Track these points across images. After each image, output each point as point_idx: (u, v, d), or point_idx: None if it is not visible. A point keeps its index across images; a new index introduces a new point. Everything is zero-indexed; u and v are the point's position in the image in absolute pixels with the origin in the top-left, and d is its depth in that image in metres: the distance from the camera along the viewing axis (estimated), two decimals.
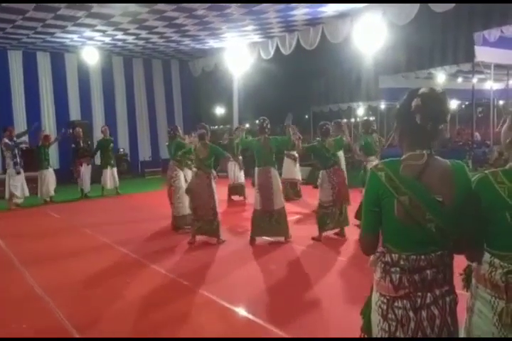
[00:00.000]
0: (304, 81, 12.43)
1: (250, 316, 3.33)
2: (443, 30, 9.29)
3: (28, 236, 6.26)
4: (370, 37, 7.82)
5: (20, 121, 11.43)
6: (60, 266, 4.77)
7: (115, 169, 9.88)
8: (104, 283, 4.22)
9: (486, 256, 1.48)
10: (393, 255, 1.54)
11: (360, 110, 16.33)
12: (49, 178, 8.95)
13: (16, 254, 5.27)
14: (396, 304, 1.53)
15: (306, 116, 19.43)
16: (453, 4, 6.66)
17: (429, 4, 6.88)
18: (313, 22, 8.91)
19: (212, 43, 11.15)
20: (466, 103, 16.62)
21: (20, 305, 3.76)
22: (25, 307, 3.72)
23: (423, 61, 10.77)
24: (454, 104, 18.25)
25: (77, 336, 3.12)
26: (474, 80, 10.45)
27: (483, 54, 9.45)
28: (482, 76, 11.35)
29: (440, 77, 12.43)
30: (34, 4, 7.33)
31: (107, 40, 10.43)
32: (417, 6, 7.06)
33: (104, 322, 3.36)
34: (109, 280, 4.32)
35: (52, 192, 9.06)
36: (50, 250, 5.46)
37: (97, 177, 10.00)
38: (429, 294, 1.51)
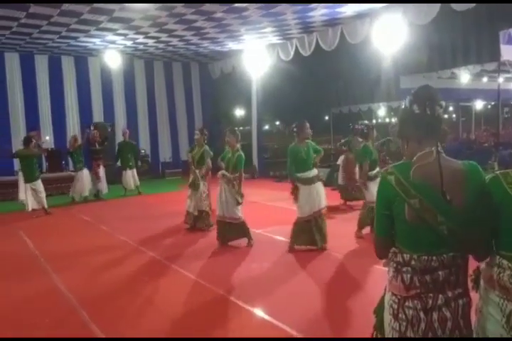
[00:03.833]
0: (324, 82, 12.33)
1: (281, 325, 3.19)
2: (465, 29, 9.05)
3: (53, 235, 6.46)
4: (389, 37, 7.72)
5: (46, 123, 11.85)
6: (83, 265, 4.88)
7: (134, 170, 10.14)
8: (128, 284, 4.24)
9: (495, 258, 1.47)
10: (405, 255, 1.54)
11: (381, 111, 16.10)
12: (84, 179, 9.25)
13: (42, 252, 5.44)
14: (407, 304, 1.53)
15: (326, 117, 19.32)
16: (474, 4, 6.49)
17: (450, 3, 6.74)
18: (331, 23, 8.86)
19: (231, 45, 11.24)
20: (492, 103, 16.16)
21: (43, 300, 3.87)
22: (48, 303, 3.82)
23: (445, 61, 10.50)
24: (479, 104, 17.80)
25: (102, 336, 3.16)
26: (500, 80, 10.13)
27: (508, 53, 9.16)
28: (508, 75, 11.01)
29: (464, 77, 12.11)
30: (59, 9, 7.57)
31: (129, 43, 10.66)
32: (437, 5, 6.93)
33: (127, 322, 3.38)
34: (133, 280, 4.32)
35: (86, 193, 9.37)
36: (75, 249, 5.59)
37: (118, 179, 10.26)
38: (440, 295, 1.50)
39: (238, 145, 5.35)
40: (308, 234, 4.95)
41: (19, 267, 4.93)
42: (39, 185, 7.86)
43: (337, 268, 4.52)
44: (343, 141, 8.54)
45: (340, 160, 8.25)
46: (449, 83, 12.25)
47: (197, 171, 6.26)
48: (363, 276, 4.15)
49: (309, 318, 3.31)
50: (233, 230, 5.32)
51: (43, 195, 7.98)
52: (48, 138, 11.59)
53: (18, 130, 11.25)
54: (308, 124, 4.97)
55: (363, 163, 5.53)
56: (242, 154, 5.33)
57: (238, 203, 5.22)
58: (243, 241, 5.40)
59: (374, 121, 16.90)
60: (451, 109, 20.33)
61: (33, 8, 7.47)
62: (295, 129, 4.95)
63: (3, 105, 11.19)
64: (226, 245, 5.35)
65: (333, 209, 7.50)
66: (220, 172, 5.39)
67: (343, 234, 5.67)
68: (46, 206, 8.00)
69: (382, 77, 11.11)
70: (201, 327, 3.24)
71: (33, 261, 5.14)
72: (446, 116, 19.37)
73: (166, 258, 4.96)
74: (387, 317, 1.60)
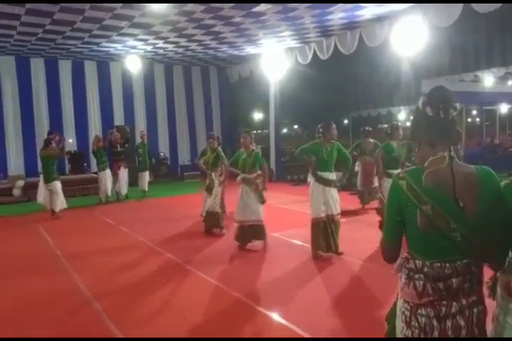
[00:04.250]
0: (342, 85, 12.25)
1: (297, 329, 3.16)
2: (489, 31, 8.83)
3: (74, 235, 6.61)
4: (409, 39, 7.61)
5: (68, 126, 12.17)
6: (102, 265, 4.97)
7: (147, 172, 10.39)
8: (146, 284, 4.27)
9: (511, 265, 1.42)
10: (417, 262, 1.51)
11: (401, 115, 15.84)
12: (107, 179, 9.46)
13: (62, 252, 5.57)
14: (420, 311, 1.50)
15: (346, 121, 19.15)
16: (498, 4, 6.33)
17: (473, 5, 6.59)
18: (350, 26, 8.80)
19: (248, 49, 11.29)
20: None
21: (64, 299, 3.95)
22: (69, 301, 3.90)
23: (468, 63, 10.27)
24: (504, 108, 17.31)
25: (118, 333, 3.20)
26: None
27: None
28: None
29: (488, 80, 11.82)
30: (82, 16, 7.78)
31: (149, 48, 10.85)
32: (459, 6, 6.79)
33: (143, 321, 3.40)
34: (151, 281, 4.36)
35: (109, 192, 9.58)
36: (94, 249, 5.71)
37: (134, 180, 10.44)
38: (454, 303, 1.46)
39: (254, 147, 5.39)
40: (326, 239, 4.89)
41: (41, 266, 5.06)
42: (54, 186, 7.89)
43: (355, 273, 4.47)
44: (353, 145, 8.50)
45: (356, 166, 8.19)
46: (473, 86, 11.98)
47: (213, 174, 6.29)
48: (380, 282, 4.06)
49: (327, 325, 3.29)
50: (251, 232, 5.30)
51: (58, 197, 7.95)
52: (70, 140, 11.89)
53: (43, 133, 11.53)
54: (334, 125, 4.91)
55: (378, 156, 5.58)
56: (260, 152, 5.39)
57: (263, 201, 5.21)
58: (258, 244, 5.39)
59: (394, 122, 16.61)
60: (474, 112, 19.84)
61: (57, 15, 7.69)
62: (321, 129, 4.89)
63: (28, 108, 11.56)
64: (244, 248, 5.35)
65: (351, 214, 7.46)
66: (239, 178, 5.41)
67: (361, 239, 5.61)
68: (57, 209, 7.93)
69: (402, 81, 10.95)
70: (216, 329, 3.25)
71: (54, 259, 5.26)
72: (469, 120, 18.95)
73: (184, 261, 5.00)
74: (400, 324, 1.57)
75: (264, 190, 5.27)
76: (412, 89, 11.49)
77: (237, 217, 5.35)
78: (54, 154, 7.93)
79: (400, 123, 6.52)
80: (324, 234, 4.86)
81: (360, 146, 8.09)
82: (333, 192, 4.94)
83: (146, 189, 10.35)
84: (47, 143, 7.95)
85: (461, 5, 6.74)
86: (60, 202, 8.07)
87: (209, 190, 6.26)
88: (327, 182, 4.88)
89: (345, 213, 7.46)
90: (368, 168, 7.70)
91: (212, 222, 6.25)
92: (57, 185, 7.97)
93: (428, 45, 7.70)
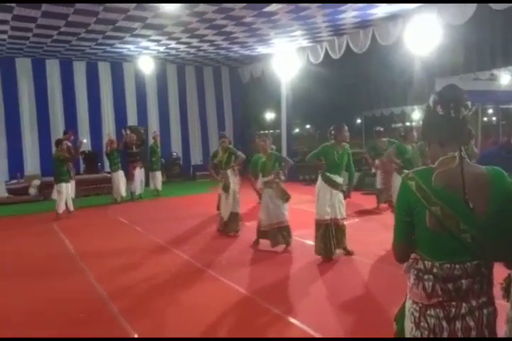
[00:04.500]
0: (355, 84, 12.13)
1: (313, 333, 3.15)
2: (505, 28, 8.66)
3: (88, 235, 6.71)
4: (423, 38, 7.51)
5: (83, 126, 12.35)
6: (117, 264, 5.01)
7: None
8: (161, 285, 4.29)
9: None
10: (426, 262, 1.50)
11: (415, 114, 15.65)
12: (119, 180, 9.58)
13: (77, 251, 5.66)
14: (429, 312, 1.48)
15: (358, 121, 18.97)
16: None
17: (489, 3, 6.47)
18: (362, 25, 8.73)
19: (260, 49, 11.30)
20: None
21: (80, 298, 4.00)
22: (84, 300, 3.95)
23: (484, 62, 10.08)
24: None
25: (132, 332, 3.23)
26: None
27: None
28: None
29: (504, 78, 11.59)
30: (95, 17, 7.89)
31: (161, 49, 10.94)
32: (473, 4, 6.67)
33: (157, 321, 3.43)
34: (166, 282, 4.38)
35: (123, 193, 9.68)
36: (109, 248, 5.78)
37: (146, 180, 10.56)
38: (464, 304, 1.44)
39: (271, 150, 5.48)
40: (327, 241, 4.81)
41: (56, 265, 5.14)
42: (60, 187, 7.87)
43: (365, 273, 4.44)
44: (368, 148, 8.44)
45: (373, 169, 8.15)
46: (488, 85, 11.74)
47: (228, 171, 6.28)
48: (391, 282, 4.02)
49: (337, 325, 3.27)
50: (278, 234, 5.26)
51: (59, 197, 7.91)
52: (85, 140, 12.06)
53: (58, 132, 11.74)
54: (346, 127, 4.87)
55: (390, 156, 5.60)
56: (275, 152, 5.50)
57: (287, 198, 5.18)
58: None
59: (408, 124, 16.44)
60: (490, 111, 19.46)
61: (72, 17, 7.81)
62: (332, 131, 4.86)
63: (44, 109, 11.78)
64: (259, 250, 5.34)
65: (366, 213, 7.42)
66: (260, 183, 5.44)
67: (373, 239, 5.56)
68: (59, 211, 7.89)
69: (416, 79, 10.80)
70: (230, 331, 3.25)
71: (69, 259, 5.34)
72: (485, 119, 18.60)
73: (199, 262, 4.99)
74: (409, 324, 1.55)
75: (282, 182, 5.23)
76: (426, 88, 11.32)
77: (263, 222, 5.31)
78: (62, 156, 7.93)
79: (414, 125, 6.46)
80: (325, 236, 4.79)
81: (376, 148, 8.03)
82: (340, 196, 4.91)
83: (160, 188, 10.48)
84: (57, 143, 8.06)
85: (475, 3, 6.62)
86: (67, 203, 8.08)
87: (226, 188, 6.21)
88: (335, 185, 4.84)
89: (359, 213, 7.48)
90: (387, 167, 7.65)
91: (233, 223, 6.21)
92: (63, 186, 7.88)
93: (442, 43, 7.59)
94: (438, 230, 1.45)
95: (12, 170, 11.31)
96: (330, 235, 4.78)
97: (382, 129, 8.20)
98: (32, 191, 10.61)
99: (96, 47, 10.42)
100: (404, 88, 12.17)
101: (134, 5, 7.20)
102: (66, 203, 8.10)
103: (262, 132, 5.80)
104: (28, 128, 11.64)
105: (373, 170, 8.21)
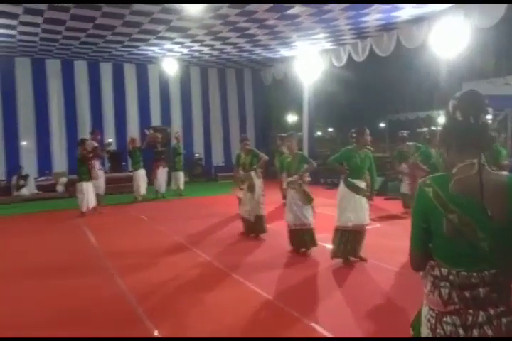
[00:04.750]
0: (379, 88, 12.01)
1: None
2: None
3: (114, 232, 6.86)
4: (450, 41, 7.33)
5: (108, 126, 12.67)
6: (141, 264, 5.05)
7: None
8: (184, 286, 4.28)
9: None
10: (443, 269, 1.47)
11: (442, 119, 15.29)
12: (140, 178, 9.78)
13: (103, 250, 5.75)
14: (445, 319, 1.45)
15: (382, 124, 18.69)
16: None
17: None
18: (386, 28, 8.61)
19: (282, 52, 11.30)
20: None
21: (105, 298, 4.04)
22: (109, 300, 3.99)
23: None
24: None
25: (156, 333, 3.25)
26: None
27: None
28: None
29: None
30: (122, 20, 8.09)
31: (185, 51, 11.11)
32: (502, 6, 6.47)
33: (185, 325, 3.41)
34: (190, 284, 4.37)
35: (144, 191, 9.88)
36: (132, 247, 5.85)
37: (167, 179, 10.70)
38: (481, 312, 1.40)
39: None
40: (344, 245, 4.75)
41: (82, 263, 5.19)
42: (80, 185, 8.06)
43: (383, 279, 4.38)
44: (394, 154, 8.29)
45: (400, 175, 8.03)
46: None
47: (252, 173, 6.19)
48: (409, 288, 3.91)
49: (354, 329, 3.25)
50: (302, 238, 5.23)
51: (80, 197, 8.11)
52: (110, 140, 12.37)
53: (85, 132, 12.07)
54: (368, 131, 4.79)
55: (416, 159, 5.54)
56: (301, 152, 5.51)
57: (310, 200, 5.12)
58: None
59: (433, 128, 16.08)
60: None
61: (99, 20, 8.04)
62: (354, 135, 4.77)
63: (71, 108, 12.15)
64: (297, 253, 5.28)
65: (389, 218, 7.37)
66: (284, 184, 5.42)
67: (398, 246, 5.43)
68: (82, 209, 8.11)
69: (442, 83, 10.58)
70: (251, 332, 3.25)
71: (94, 257, 5.42)
72: None
73: (222, 264, 4.96)
74: (425, 331, 1.53)
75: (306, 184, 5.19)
76: (452, 92, 11.08)
77: (289, 223, 5.29)
78: (80, 155, 8.11)
79: (439, 129, 6.31)
80: (341, 240, 4.73)
81: (402, 153, 7.87)
82: (364, 201, 4.80)
83: (182, 187, 10.63)
84: (80, 143, 8.30)
85: (504, 5, 6.42)
86: (89, 201, 8.24)
87: (251, 189, 6.11)
88: (358, 190, 4.75)
89: (381, 218, 7.34)
90: (415, 172, 7.51)
91: (259, 225, 6.13)
92: (83, 185, 8.05)
93: (469, 46, 7.39)
94: (455, 237, 1.42)
95: (41, 167, 11.72)
96: (347, 240, 4.73)
97: (406, 134, 8.03)
98: (59, 188, 10.97)
99: (122, 49, 10.69)
100: (430, 92, 11.94)
101: (159, 8, 7.35)
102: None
103: (290, 132, 5.78)
104: (56, 126, 12.03)
105: (400, 177, 8.07)
